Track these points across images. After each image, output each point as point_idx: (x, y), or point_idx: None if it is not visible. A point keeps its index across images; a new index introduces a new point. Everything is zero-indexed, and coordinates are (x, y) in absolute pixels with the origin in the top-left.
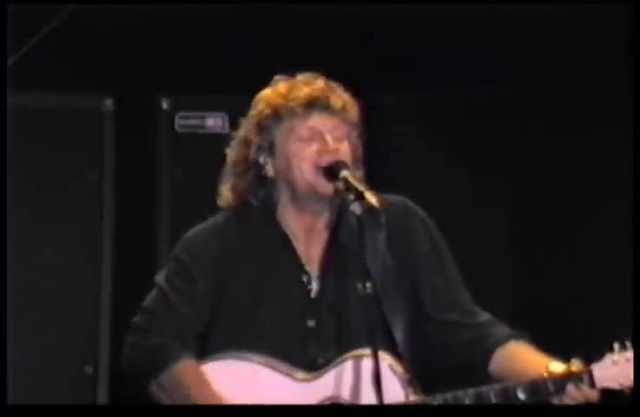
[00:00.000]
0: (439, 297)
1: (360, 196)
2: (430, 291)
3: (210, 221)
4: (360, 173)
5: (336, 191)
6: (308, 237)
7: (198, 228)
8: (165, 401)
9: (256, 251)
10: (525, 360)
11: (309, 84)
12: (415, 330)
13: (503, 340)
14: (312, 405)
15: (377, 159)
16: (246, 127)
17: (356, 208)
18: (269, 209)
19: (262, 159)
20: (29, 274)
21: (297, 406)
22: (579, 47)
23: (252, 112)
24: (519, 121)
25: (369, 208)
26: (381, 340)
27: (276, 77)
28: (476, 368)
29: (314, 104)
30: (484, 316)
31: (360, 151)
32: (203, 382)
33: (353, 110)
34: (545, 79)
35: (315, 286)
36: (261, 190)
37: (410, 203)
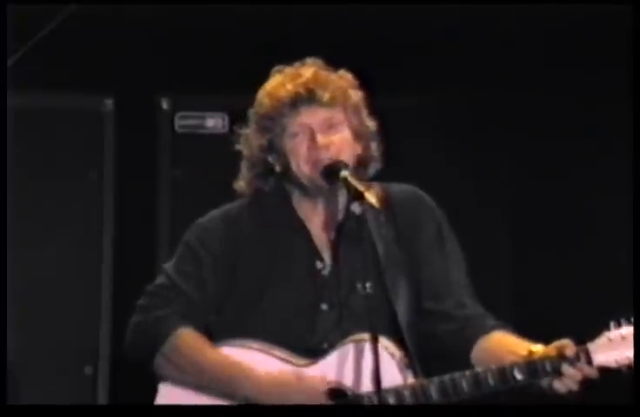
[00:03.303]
0: (435, 285)
1: (360, 196)
2: (427, 279)
3: (225, 206)
4: (377, 149)
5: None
6: (320, 223)
7: (212, 213)
8: (172, 374)
9: (270, 236)
10: (506, 346)
11: (294, 79)
12: (413, 317)
13: (485, 331)
14: (312, 405)
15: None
16: (249, 125)
17: (355, 207)
18: (283, 195)
19: (268, 157)
20: (29, 274)
21: (298, 406)
22: (579, 47)
23: (252, 110)
24: (521, 121)
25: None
26: (383, 325)
27: (275, 68)
28: (457, 357)
29: (298, 101)
30: (475, 309)
31: (369, 130)
32: (206, 347)
33: (347, 95)
34: (545, 79)
35: (327, 270)
36: (270, 178)
37: (420, 192)
